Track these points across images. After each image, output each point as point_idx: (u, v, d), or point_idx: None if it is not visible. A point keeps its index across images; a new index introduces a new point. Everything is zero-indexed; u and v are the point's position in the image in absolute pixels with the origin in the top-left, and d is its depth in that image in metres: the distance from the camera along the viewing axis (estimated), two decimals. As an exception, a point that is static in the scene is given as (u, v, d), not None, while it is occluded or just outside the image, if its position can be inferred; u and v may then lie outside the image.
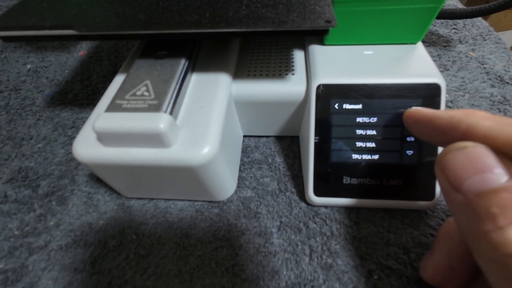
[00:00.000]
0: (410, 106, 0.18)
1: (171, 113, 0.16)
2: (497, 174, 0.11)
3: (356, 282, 0.17)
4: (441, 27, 0.35)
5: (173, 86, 0.17)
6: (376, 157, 0.19)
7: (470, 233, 0.11)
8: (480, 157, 0.11)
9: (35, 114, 0.29)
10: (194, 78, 0.20)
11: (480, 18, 0.37)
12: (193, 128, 0.17)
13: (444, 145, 0.13)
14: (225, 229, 0.20)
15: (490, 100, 0.27)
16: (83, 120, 0.28)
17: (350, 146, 0.19)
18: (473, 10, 0.27)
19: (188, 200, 0.22)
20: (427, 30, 0.34)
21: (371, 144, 0.19)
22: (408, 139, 0.19)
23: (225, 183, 0.20)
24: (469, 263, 0.14)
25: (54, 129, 0.28)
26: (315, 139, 0.19)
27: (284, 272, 0.18)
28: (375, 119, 0.19)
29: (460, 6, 0.38)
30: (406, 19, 0.19)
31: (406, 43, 0.21)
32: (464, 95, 0.28)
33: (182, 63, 0.19)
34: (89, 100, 0.30)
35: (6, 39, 0.18)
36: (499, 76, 0.29)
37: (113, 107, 0.17)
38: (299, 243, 0.19)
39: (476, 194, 0.11)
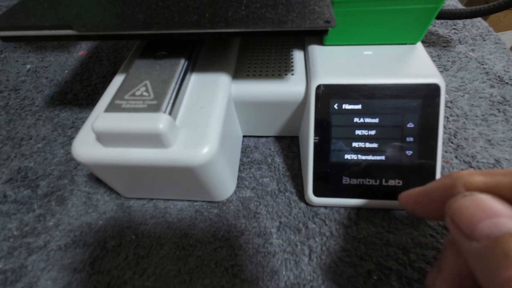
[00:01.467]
0: (410, 106, 0.18)
1: (170, 113, 0.16)
2: (509, 217, 0.11)
3: (355, 283, 0.17)
4: (441, 28, 0.35)
5: (173, 86, 0.17)
6: (375, 157, 0.19)
7: (489, 280, 0.10)
8: (487, 202, 0.11)
9: (34, 114, 0.29)
10: (194, 78, 0.20)
11: (479, 19, 0.37)
12: (193, 128, 0.17)
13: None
14: (225, 229, 0.20)
15: (490, 100, 0.27)
16: (83, 120, 0.28)
17: (349, 146, 0.19)
18: (473, 10, 0.27)
19: (188, 201, 0.22)
20: (427, 31, 0.34)
21: (371, 145, 0.19)
22: (407, 139, 0.19)
23: (225, 183, 0.20)
24: None
25: (54, 129, 0.28)
26: (314, 139, 0.19)
27: (284, 273, 0.18)
28: (374, 120, 0.19)
29: (460, 6, 0.38)
30: (406, 19, 0.19)
31: (405, 44, 0.21)
32: (463, 95, 0.28)
33: (182, 63, 0.19)
34: (89, 100, 0.30)
35: (5, 39, 0.18)
36: (498, 76, 0.29)
37: (112, 107, 0.17)
38: (298, 243, 0.19)
39: (491, 239, 0.10)
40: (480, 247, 0.11)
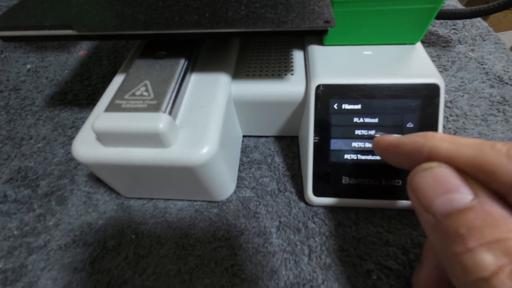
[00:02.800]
0: (410, 106, 0.19)
1: (170, 113, 0.17)
2: (462, 193, 0.11)
3: (355, 282, 0.17)
4: (441, 28, 0.35)
5: (173, 86, 0.17)
6: (375, 157, 0.19)
7: (443, 255, 0.11)
8: (445, 177, 0.11)
9: (34, 114, 0.29)
10: (194, 78, 0.20)
11: (479, 19, 0.37)
12: (193, 128, 0.17)
13: (412, 165, 0.14)
14: (225, 229, 0.20)
15: (489, 101, 0.27)
16: (83, 120, 0.28)
17: (349, 146, 0.19)
18: (473, 10, 0.27)
19: (188, 200, 0.22)
20: (427, 31, 0.34)
21: (370, 144, 0.19)
22: (407, 139, 0.19)
23: (225, 183, 0.20)
24: None
25: (54, 129, 0.28)
26: (314, 139, 0.19)
27: (283, 272, 0.18)
28: (374, 120, 0.19)
29: (460, 6, 0.38)
30: (405, 19, 0.19)
31: (405, 44, 0.21)
32: (463, 95, 0.28)
33: (182, 63, 0.19)
34: (89, 100, 0.30)
35: (6, 39, 0.18)
36: (498, 76, 0.29)
37: (112, 107, 0.17)
38: (298, 243, 0.19)
39: (445, 215, 0.11)
40: (435, 222, 0.11)
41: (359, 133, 0.19)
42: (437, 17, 0.28)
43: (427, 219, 0.12)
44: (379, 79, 0.19)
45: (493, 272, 0.09)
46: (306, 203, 0.21)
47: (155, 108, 0.16)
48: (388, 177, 0.19)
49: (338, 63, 0.20)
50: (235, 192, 0.22)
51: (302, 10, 0.16)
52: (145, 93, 0.17)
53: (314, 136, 0.19)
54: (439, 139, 0.13)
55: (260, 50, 0.24)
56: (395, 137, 0.15)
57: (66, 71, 0.34)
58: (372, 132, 0.19)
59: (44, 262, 0.19)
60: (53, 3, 0.19)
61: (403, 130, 0.19)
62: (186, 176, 0.18)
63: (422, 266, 0.15)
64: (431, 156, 0.12)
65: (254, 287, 0.18)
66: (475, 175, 0.11)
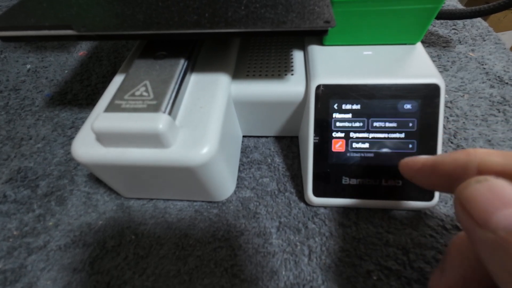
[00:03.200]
0: (410, 106, 0.18)
1: (170, 113, 0.16)
2: None
3: (355, 283, 0.17)
4: (441, 28, 0.35)
5: (172, 86, 0.17)
6: (375, 157, 0.19)
7: (503, 274, 0.10)
8: (504, 189, 0.10)
9: (34, 114, 0.29)
10: (194, 78, 0.20)
11: (479, 19, 0.37)
12: (192, 128, 0.17)
13: (453, 187, 0.13)
14: (224, 229, 0.20)
15: (490, 101, 0.27)
16: (83, 120, 0.28)
17: (349, 146, 0.19)
18: (473, 10, 0.27)
19: (187, 201, 0.22)
20: (427, 31, 0.34)
21: (371, 145, 0.19)
22: (407, 139, 0.19)
23: (224, 183, 0.20)
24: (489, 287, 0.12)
25: (54, 129, 0.28)
26: (314, 139, 0.19)
27: (283, 273, 0.18)
28: (374, 120, 0.19)
29: (460, 6, 0.38)
30: (405, 19, 0.19)
31: (405, 44, 0.21)
32: (463, 95, 0.28)
33: (181, 63, 0.19)
34: (89, 100, 0.30)
35: (5, 39, 0.18)
36: (498, 76, 0.29)
37: (112, 107, 0.17)
38: (298, 243, 0.19)
39: (509, 230, 0.10)
40: (496, 238, 0.10)
41: (359, 134, 0.19)
42: (437, 17, 0.28)
43: (482, 236, 0.10)
44: (379, 79, 0.19)
45: None
46: (306, 204, 0.21)
47: (155, 108, 0.16)
48: (388, 177, 0.19)
49: (338, 63, 0.20)
50: (235, 192, 0.22)
51: (302, 10, 0.16)
52: (144, 93, 0.17)
53: (314, 136, 0.19)
54: (485, 154, 0.12)
55: (260, 50, 0.24)
56: (429, 157, 0.14)
57: (66, 71, 0.34)
58: (372, 135, 0.19)
59: (43, 262, 0.19)
60: (53, 3, 0.19)
61: (403, 130, 0.19)
62: (186, 176, 0.17)
63: (445, 273, 0.14)
64: (482, 173, 0.11)
65: (254, 288, 0.18)
66: None
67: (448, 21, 0.36)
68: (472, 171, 0.12)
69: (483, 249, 0.11)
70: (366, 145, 0.19)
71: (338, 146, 0.19)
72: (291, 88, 0.21)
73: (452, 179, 0.13)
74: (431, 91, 0.18)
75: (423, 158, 0.14)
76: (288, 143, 0.25)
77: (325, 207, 0.21)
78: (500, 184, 0.10)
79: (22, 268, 0.19)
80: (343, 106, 0.19)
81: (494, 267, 0.10)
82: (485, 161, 0.11)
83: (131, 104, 0.17)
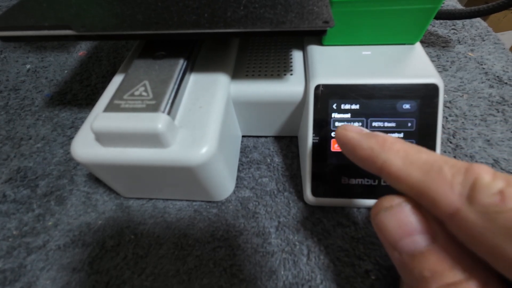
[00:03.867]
0: (409, 106, 0.18)
1: (169, 113, 0.17)
2: (424, 234, 0.11)
3: (353, 282, 0.17)
4: (440, 28, 0.35)
5: (171, 86, 0.17)
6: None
7: None
8: (406, 219, 0.12)
9: (34, 114, 0.29)
10: (193, 78, 0.20)
11: (479, 19, 0.37)
12: (191, 128, 0.17)
13: (368, 170, 0.14)
14: (224, 229, 0.20)
15: (489, 101, 0.27)
16: (82, 120, 0.28)
17: (348, 146, 0.19)
18: (472, 10, 0.27)
19: (187, 200, 0.22)
20: (426, 31, 0.34)
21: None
22: (406, 139, 0.19)
23: (224, 183, 0.20)
24: None
25: (53, 129, 0.28)
26: (313, 139, 0.19)
27: (282, 272, 0.18)
28: (373, 120, 0.19)
29: (459, 6, 0.38)
30: (404, 19, 0.19)
31: (404, 44, 0.21)
32: (462, 95, 0.28)
33: (181, 63, 0.19)
34: (88, 100, 0.30)
35: (5, 39, 0.18)
36: (497, 76, 0.29)
37: (111, 107, 0.17)
38: (297, 243, 0.19)
39: (409, 256, 0.11)
40: (402, 260, 0.12)
41: (358, 133, 0.19)
42: (437, 17, 0.28)
43: (394, 255, 0.12)
44: (378, 79, 0.19)
45: None
46: (305, 203, 0.21)
47: (154, 108, 0.16)
48: (387, 177, 0.19)
49: (337, 63, 0.20)
50: (234, 192, 0.22)
51: (301, 10, 0.16)
52: (144, 93, 0.17)
53: (314, 136, 0.19)
54: (394, 152, 0.12)
55: (259, 50, 0.24)
56: (355, 135, 0.14)
57: (66, 71, 0.34)
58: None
59: (43, 262, 0.19)
60: (52, 3, 0.19)
61: (402, 130, 0.19)
62: (185, 176, 0.18)
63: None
64: (383, 171, 0.12)
65: (252, 287, 0.18)
66: (419, 200, 0.11)
67: (447, 21, 0.36)
68: (378, 164, 0.12)
69: (396, 265, 0.12)
70: (365, 145, 0.19)
71: (337, 146, 0.19)
72: (290, 88, 0.21)
73: (365, 165, 0.13)
74: (430, 91, 0.18)
75: (350, 133, 0.14)
76: (287, 143, 0.25)
77: (324, 206, 0.21)
78: (403, 212, 0.12)
79: (22, 268, 0.19)
80: (342, 106, 0.19)
81: (405, 281, 0.12)
82: (389, 161, 0.12)
83: (130, 104, 0.17)
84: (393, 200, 0.12)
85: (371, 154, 0.13)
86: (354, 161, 0.14)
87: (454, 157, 0.23)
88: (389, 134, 0.19)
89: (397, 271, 0.13)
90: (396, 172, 0.12)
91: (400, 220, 0.12)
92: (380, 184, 0.19)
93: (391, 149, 0.12)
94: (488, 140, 0.24)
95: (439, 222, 0.11)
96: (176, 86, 0.18)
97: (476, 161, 0.23)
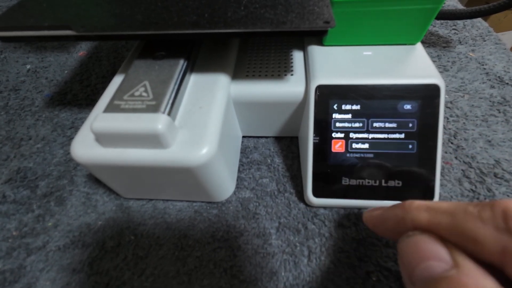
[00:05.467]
0: (410, 107, 0.18)
1: (169, 113, 0.16)
2: (441, 261, 0.11)
3: (354, 284, 0.17)
4: (441, 28, 0.35)
5: (172, 86, 0.17)
6: (375, 158, 0.19)
7: None
8: (424, 244, 0.11)
9: (34, 115, 0.29)
10: (193, 79, 0.20)
11: (480, 19, 0.37)
12: (192, 129, 0.17)
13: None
14: (224, 230, 0.20)
15: (490, 101, 0.27)
16: (82, 121, 0.28)
17: (349, 147, 0.19)
18: (473, 10, 0.27)
19: (187, 201, 0.22)
20: (427, 31, 0.34)
21: (370, 145, 0.19)
22: (407, 140, 0.19)
23: (224, 183, 0.20)
24: None
25: (53, 130, 0.28)
26: (314, 139, 0.19)
27: (283, 273, 0.18)
28: (374, 120, 0.19)
29: (460, 6, 0.38)
30: (405, 20, 0.19)
31: (405, 44, 0.21)
32: (463, 95, 0.27)
33: (181, 63, 0.19)
34: (88, 101, 0.30)
35: (5, 39, 0.18)
36: (498, 77, 0.29)
37: (111, 108, 0.17)
38: (297, 244, 0.19)
39: (423, 284, 0.11)
40: None
41: (359, 134, 0.19)
42: (437, 18, 0.28)
43: None
44: (379, 80, 0.19)
45: None
46: (306, 204, 0.21)
47: (154, 108, 0.16)
48: (388, 178, 0.19)
49: (338, 64, 0.20)
50: (234, 193, 0.22)
51: (302, 11, 0.16)
52: (144, 94, 0.17)
53: (314, 137, 0.19)
54: (415, 209, 0.13)
55: (260, 51, 0.24)
56: (380, 212, 0.15)
57: (66, 72, 0.34)
58: (372, 135, 0.19)
59: (42, 263, 0.19)
60: (52, 3, 0.19)
61: (403, 131, 0.19)
62: (185, 176, 0.17)
63: None
64: (415, 228, 0.13)
65: (253, 289, 0.17)
66: (461, 243, 0.11)
67: (448, 21, 0.36)
68: (409, 225, 0.13)
69: None
70: (366, 145, 0.19)
71: (338, 146, 0.19)
72: (291, 88, 0.21)
73: (399, 233, 0.14)
74: (431, 91, 0.18)
75: (375, 212, 0.15)
76: (288, 144, 0.25)
77: (324, 207, 0.21)
78: (422, 238, 0.12)
79: (21, 269, 0.19)
80: (343, 107, 0.19)
81: None
82: (416, 217, 0.12)
83: (130, 105, 0.17)
84: (415, 231, 0.12)
85: (397, 219, 0.13)
86: (389, 236, 0.15)
87: (455, 157, 0.23)
88: (389, 135, 0.19)
89: None
90: (427, 224, 0.12)
91: (418, 245, 0.12)
92: (381, 185, 0.19)
93: (411, 208, 0.13)
94: (489, 141, 0.24)
95: (466, 254, 0.11)
96: (176, 87, 0.18)
97: (477, 162, 0.22)
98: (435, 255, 0.11)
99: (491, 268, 0.10)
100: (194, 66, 0.21)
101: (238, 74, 0.22)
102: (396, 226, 0.14)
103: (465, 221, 0.11)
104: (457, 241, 0.11)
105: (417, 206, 0.13)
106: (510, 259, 0.10)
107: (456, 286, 0.10)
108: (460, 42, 0.33)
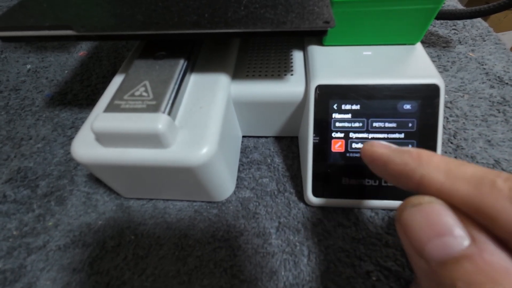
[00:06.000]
0: (409, 107, 0.18)
1: (169, 113, 0.16)
2: (458, 237, 0.09)
3: (354, 283, 0.17)
4: (441, 28, 0.35)
5: (172, 86, 0.17)
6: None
7: None
8: (437, 216, 0.10)
9: (34, 114, 0.29)
10: (193, 79, 0.20)
11: (479, 19, 0.37)
12: (192, 129, 0.17)
13: (402, 187, 0.12)
14: (224, 229, 0.20)
15: (490, 101, 0.27)
16: (83, 120, 0.28)
17: (349, 147, 0.19)
18: (473, 10, 0.27)
19: (187, 201, 0.22)
20: (426, 31, 0.34)
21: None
22: (407, 139, 0.19)
23: (224, 183, 0.20)
24: None
25: (54, 129, 0.28)
26: (314, 139, 0.19)
27: (283, 273, 0.18)
28: (374, 120, 0.19)
29: (460, 6, 0.38)
30: (405, 20, 0.19)
31: (405, 44, 0.21)
32: (463, 95, 0.28)
33: (181, 63, 0.19)
34: (89, 101, 0.30)
35: (5, 39, 0.18)
36: (498, 77, 0.29)
37: (111, 108, 0.17)
38: (297, 243, 0.19)
39: (439, 263, 0.09)
40: (429, 269, 0.10)
41: (359, 134, 0.19)
42: (437, 18, 0.28)
43: (419, 264, 0.10)
44: (379, 80, 0.19)
45: None
46: (306, 204, 0.21)
47: (154, 108, 0.16)
48: (388, 177, 0.19)
49: (338, 64, 0.20)
50: (234, 192, 0.22)
51: (302, 11, 0.16)
52: (144, 94, 0.17)
53: (314, 137, 0.19)
54: (434, 166, 0.11)
55: (260, 51, 0.24)
56: (385, 150, 0.13)
57: (66, 71, 0.34)
58: (372, 135, 0.19)
59: (43, 262, 0.19)
60: (53, 3, 0.19)
61: (403, 131, 0.19)
62: (186, 176, 0.17)
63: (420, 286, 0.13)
64: (422, 186, 0.11)
65: (253, 288, 0.18)
66: (473, 216, 0.10)
67: (448, 21, 0.36)
68: (416, 179, 0.11)
69: (420, 275, 0.10)
70: (366, 145, 0.19)
71: (337, 146, 0.19)
72: (291, 88, 0.21)
73: (399, 182, 0.12)
74: (431, 91, 0.18)
75: (380, 148, 0.13)
76: (288, 143, 0.25)
77: (324, 207, 0.21)
78: (434, 209, 0.10)
79: (22, 268, 0.19)
80: (343, 106, 0.19)
81: None
82: (428, 176, 0.11)
83: (130, 104, 0.17)
84: (423, 198, 0.11)
85: (406, 168, 0.12)
86: (385, 178, 0.13)
87: (455, 157, 0.23)
88: (389, 135, 0.19)
89: (422, 283, 0.11)
90: (440, 188, 0.10)
91: (430, 217, 0.10)
92: (381, 184, 0.19)
93: (430, 163, 0.11)
94: (489, 141, 0.24)
95: (479, 226, 0.10)
96: (176, 87, 0.18)
97: (477, 162, 0.22)
98: (451, 230, 0.10)
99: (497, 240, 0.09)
100: (194, 66, 0.21)
101: (238, 74, 0.22)
102: (399, 174, 0.12)
103: (490, 196, 0.09)
104: (470, 213, 0.10)
105: (436, 164, 0.11)
106: None
107: (481, 266, 0.09)
108: (460, 42, 0.33)
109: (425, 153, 0.12)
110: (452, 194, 0.10)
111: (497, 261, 0.09)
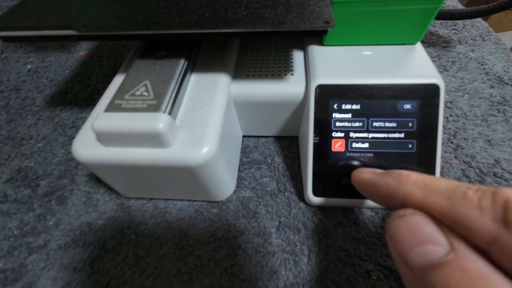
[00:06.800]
0: (409, 107, 0.18)
1: (170, 113, 0.17)
2: (438, 245, 0.10)
3: (354, 283, 0.17)
4: (441, 28, 0.35)
5: (172, 86, 0.17)
6: (375, 157, 0.19)
7: None
8: (419, 226, 0.11)
9: (35, 114, 0.29)
10: (194, 79, 0.20)
11: (480, 19, 0.37)
12: (192, 128, 0.17)
13: (392, 208, 0.13)
14: (224, 229, 0.20)
15: (489, 101, 0.27)
16: (83, 120, 0.29)
17: (349, 147, 0.19)
18: (473, 10, 0.27)
19: (187, 200, 0.22)
20: (426, 31, 0.34)
21: (370, 145, 0.19)
22: (407, 139, 0.19)
23: (224, 183, 0.20)
24: None
25: (54, 129, 0.28)
26: (314, 139, 0.19)
27: (283, 272, 0.18)
28: (374, 120, 0.19)
29: (460, 6, 0.38)
30: (405, 20, 0.19)
31: (405, 44, 0.21)
32: (463, 95, 0.28)
33: (181, 63, 0.19)
34: (89, 100, 0.30)
35: (6, 39, 0.18)
36: (498, 76, 0.29)
37: (112, 107, 0.17)
38: (297, 243, 0.19)
39: (421, 270, 0.10)
40: (413, 277, 0.10)
41: (359, 133, 0.19)
42: (437, 17, 0.28)
43: (405, 272, 0.11)
44: (379, 80, 0.19)
45: None
46: (306, 203, 0.21)
47: (155, 108, 0.16)
48: (387, 177, 0.19)
49: (338, 63, 0.20)
50: (235, 192, 0.22)
51: (302, 11, 0.16)
52: (145, 93, 0.17)
53: (314, 136, 0.19)
54: (412, 183, 0.12)
55: (260, 50, 0.24)
56: (371, 175, 0.14)
57: (67, 71, 0.34)
58: (372, 135, 0.19)
59: (43, 262, 0.19)
60: (53, 3, 0.19)
61: (403, 130, 0.19)
62: (186, 176, 0.18)
63: None
64: (406, 203, 0.12)
65: (253, 287, 0.18)
66: (452, 227, 0.10)
67: (448, 21, 0.36)
68: (400, 197, 0.12)
69: (406, 284, 0.11)
70: (366, 145, 0.19)
71: (338, 146, 0.19)
72: (291, 88, 0.21)
73: (387, 202, 0.13)
74: (431, 91, 0.18)
75: (366, 174, 0.15)
76: (288, 143, 0.25)
77: (324, 207, 0.21)
78: (416, 220, 0.11)
79: (23, 268, 0.19)
80: (343, 106, 0.19)
81: None
82: (408, 192, 0.12)
83: (131, 104, 0.17)
84: (407, 210, 0.12)
85: (390, 190, 0.13)
86: (375, 201, 0.14)
87: (455, 157, 0.23)
88: (389, 135, 0.19)
89: None
90: (419, 203, 0.11)
91: (413, 227, 0.11)
92: (380, 184, 0.19)
93: (408, 181, 0.12)
94: (489, 141, 0.24)
95: (459, 235, 0.10)
96: (177, 86, 0.18)
97: (477, 162, 0.23)
98: (431, 239, 0.10)
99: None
100: (194, 66, 0.21)
101: (238, 74, 0.22)
102: (385, 195, 0.13)
103: (462, 207, 0.10)
104: (448, 223, 0.11)
105: (414, 181, 0.12)
106: (498, 248, 0.09)
107: (458, 272, 0.09)
108: (460, 42, 0.33)
109: (404, 172, 0.13)
110: (430, 207, 0.11)
111: (474, 267, 0.09)
